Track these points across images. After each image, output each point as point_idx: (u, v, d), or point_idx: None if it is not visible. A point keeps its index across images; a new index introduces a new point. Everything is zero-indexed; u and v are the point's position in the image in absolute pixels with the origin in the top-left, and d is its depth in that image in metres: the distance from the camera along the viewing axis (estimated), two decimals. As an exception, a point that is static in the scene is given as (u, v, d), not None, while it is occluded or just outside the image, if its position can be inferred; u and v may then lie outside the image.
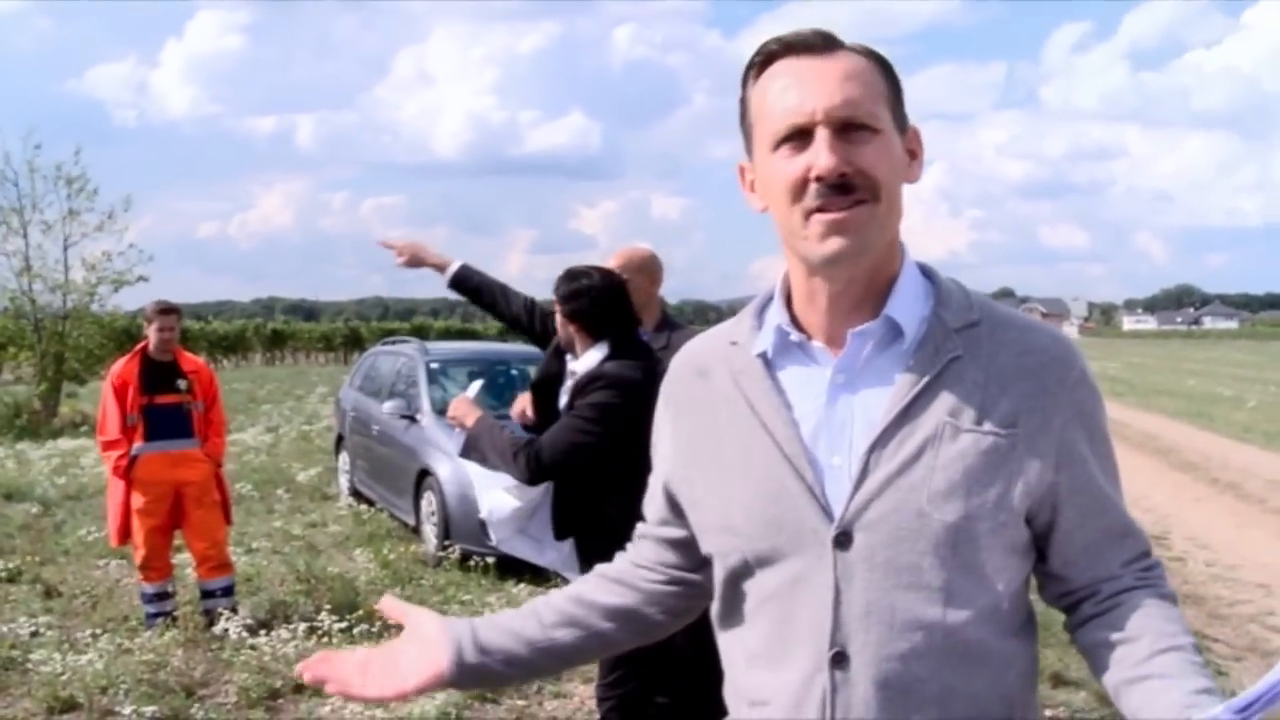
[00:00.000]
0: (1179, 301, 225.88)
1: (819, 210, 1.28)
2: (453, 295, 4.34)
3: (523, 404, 3.96)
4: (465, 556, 7.35)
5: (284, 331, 49.47)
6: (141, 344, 6.28)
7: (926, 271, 1.42)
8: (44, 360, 17.63)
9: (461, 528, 7.49)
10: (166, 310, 6.22)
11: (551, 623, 1.54)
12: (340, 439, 11.14)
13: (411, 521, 8.59)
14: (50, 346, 17.56)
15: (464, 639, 1.49)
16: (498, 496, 3.81)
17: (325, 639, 5.77)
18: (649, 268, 4.08)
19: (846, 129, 1.28)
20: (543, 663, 1.55)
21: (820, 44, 1.32)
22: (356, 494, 10.33)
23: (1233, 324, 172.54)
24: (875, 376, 1.34)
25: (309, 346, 49.70)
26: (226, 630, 5.87)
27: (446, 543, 7.59)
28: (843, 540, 1.30)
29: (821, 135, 1.28)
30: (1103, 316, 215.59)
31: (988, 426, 1.30)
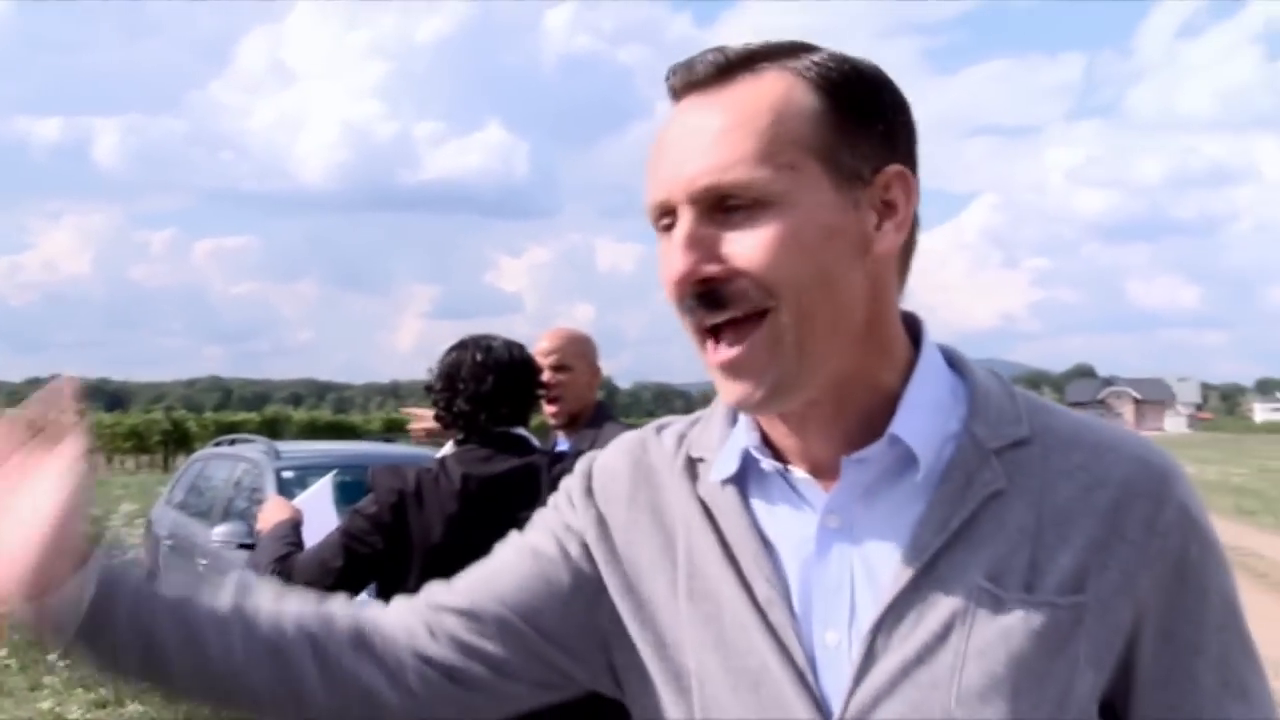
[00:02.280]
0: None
1: (704, 333, 1.27)
2: (321, 377, 4.49)
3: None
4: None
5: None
6: None
7: (955, 362, 1.37)
8: None
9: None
10: None
11: (238, 621, 1.38)
12: (151, 576, 10.87)
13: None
14: None
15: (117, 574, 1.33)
16: None
17: None
18: (591, 353, 4.38)
19: (722, 206, 1.23)
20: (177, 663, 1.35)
21: (710, 74, 1.27)
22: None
23: None
24: (882, 520, 1.29)
25: (113, 446, 49.02)
26: None
27: None
28: None
29: (681, 222, 1.24)
30: (1224, 403, 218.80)
31: (1042, 593, 1.22)
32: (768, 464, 1.34)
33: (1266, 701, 1.28)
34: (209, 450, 11.79)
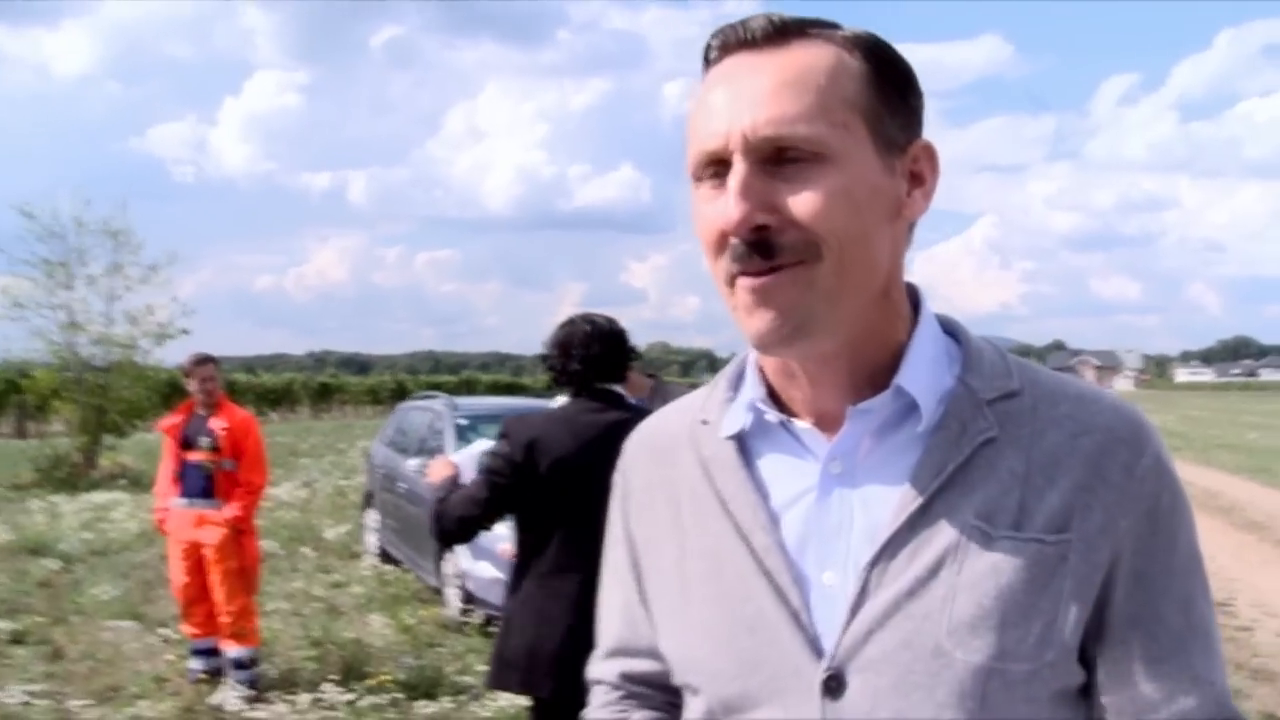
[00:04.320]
0: (1236, 353, 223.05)
1: (741, 274, 0.96)
2: (503, 350, 4.26)
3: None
4: (488, 621, 6.99)
5: (332, 385, 49.61)
6: (192, 397, 6.12)
7: (951, 330, 1.09)
8: (85, 412, 17.59)
9: (483, 591, 7.11)
10: (200, 361, 6.07)
11: None
12: (369, 496, 10.86)
13: (435, 584, 8.25)
14: (91, 399, 17.52)
15: None
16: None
17: (329, 711, 5.43)
18: None
19: (778, 158, 0.94)
20: None
21: (761, 35, 0.97)
22: (384, 554, 10.01)
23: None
24: (881, 466, 1.01)
25: (357, 400, 49.72)
26: (224, 701, 5.55)
27: (469, 607, 7.24)
28: (833, 685, 0.97)
29: (735, 172, 0.94)
30: (1157, 369, 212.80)
31: (1030, 531, 0.96)
32: (772, 415, 1.06)
33: (1220, 642, 1.02)
34: (409, 403, 11.61)
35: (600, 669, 1.24)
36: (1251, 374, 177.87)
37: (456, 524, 3.24)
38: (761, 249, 0.94)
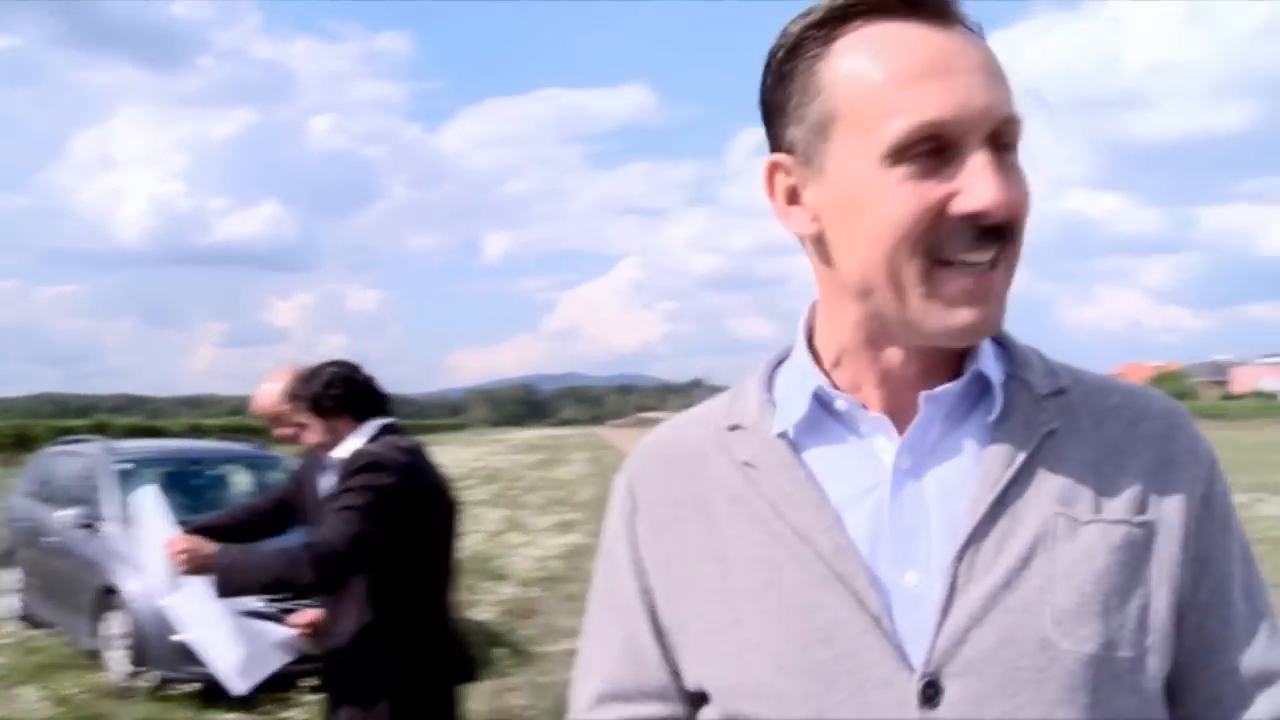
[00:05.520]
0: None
1: (958, 263, 0.90)
2: (136, 392, 3.76)
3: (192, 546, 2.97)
4: (162, 683, 6.42)
5: (-62, 432, 44.57)
6: None
7: None
8: None
9: (158, 650, 6.52)
10: None
11: None
12: (8, 553, 9.74)
13: (93, 646, 7.47)
14: None
15: None
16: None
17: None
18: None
19: (1000, 143, 0.90)
20: None
21: (942, 6, 0.92)
22: (28, 617, 8.98)
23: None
24: (948, 457, 0.96)
25: (-31, 448, 44.85)
26: None
27: (139, 669, 6.60)
28: (931, 694, 0.89)
29: (980, 154, 0.88)
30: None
31: (1114, 514, 0.93)
32: (842, 402, 0.99)
33: (1267, 602, 1.00)
34: (54, 448, 10.63)
35: (593, 717, 1.08)
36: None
37: (342, 567, 2.93)
38: (1001, 234, 0.90)
